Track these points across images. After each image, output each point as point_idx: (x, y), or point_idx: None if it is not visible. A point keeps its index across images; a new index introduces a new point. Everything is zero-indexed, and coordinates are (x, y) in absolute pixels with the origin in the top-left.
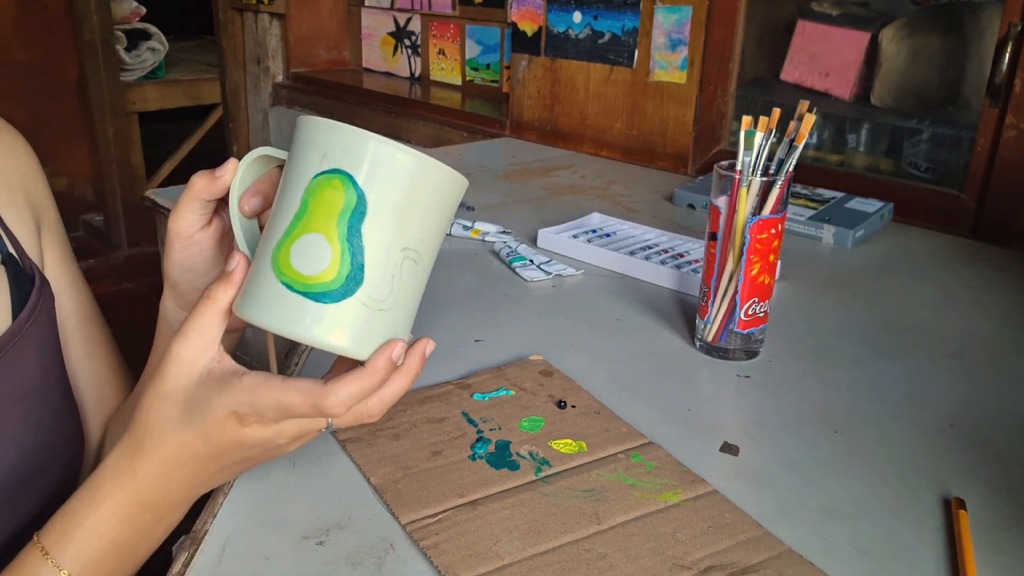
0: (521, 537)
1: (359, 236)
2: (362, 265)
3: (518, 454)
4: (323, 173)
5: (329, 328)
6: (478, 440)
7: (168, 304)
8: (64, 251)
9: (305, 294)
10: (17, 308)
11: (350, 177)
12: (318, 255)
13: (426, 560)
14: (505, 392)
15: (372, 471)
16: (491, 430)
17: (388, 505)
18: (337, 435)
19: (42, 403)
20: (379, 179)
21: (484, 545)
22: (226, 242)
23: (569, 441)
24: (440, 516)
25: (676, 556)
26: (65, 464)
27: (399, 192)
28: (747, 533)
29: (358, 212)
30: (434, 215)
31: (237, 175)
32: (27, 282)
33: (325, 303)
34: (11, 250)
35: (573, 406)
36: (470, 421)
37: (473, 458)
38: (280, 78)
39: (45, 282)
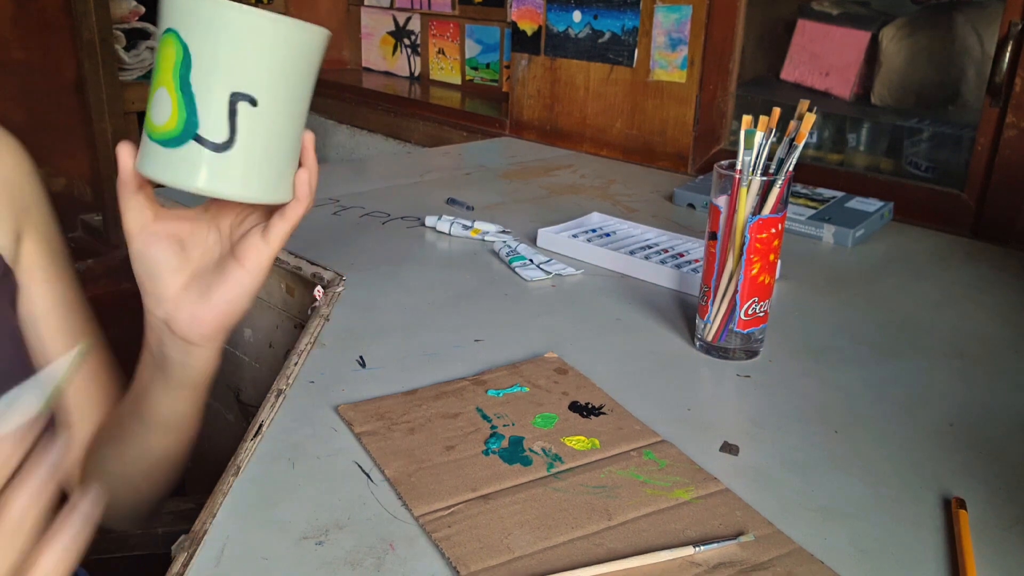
0: (532, 531)
1: (189, 85)
2: (194, 110)
3: (531, 450)
4: (163, 33)
5: (182, 170)
6: (492, 435)
7: (151, 317)
8: (48, 248)
9: (161, 142)
10: None
11: (177, 33)
12: (164, 106)
13: (426, 560)
14: (519, 389)
15: (386, 464)
16: (505, 426)
17: (402, 497)
18: (353, 428)
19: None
20: (198, 32)
21: (495, 538)
22: (185, 222)
23: (582, 438)
24: (452, 509)
25: (687, 553)
26: None
27: (217, 42)
28: (757, 531)
29: (186, 63)
30: (268, 62)
31: None
32: None
33: (174, 147)
34: None
35: (601, 408)
36: (484, 417)
37: (486, 453)
38: None
39: (8, 271)
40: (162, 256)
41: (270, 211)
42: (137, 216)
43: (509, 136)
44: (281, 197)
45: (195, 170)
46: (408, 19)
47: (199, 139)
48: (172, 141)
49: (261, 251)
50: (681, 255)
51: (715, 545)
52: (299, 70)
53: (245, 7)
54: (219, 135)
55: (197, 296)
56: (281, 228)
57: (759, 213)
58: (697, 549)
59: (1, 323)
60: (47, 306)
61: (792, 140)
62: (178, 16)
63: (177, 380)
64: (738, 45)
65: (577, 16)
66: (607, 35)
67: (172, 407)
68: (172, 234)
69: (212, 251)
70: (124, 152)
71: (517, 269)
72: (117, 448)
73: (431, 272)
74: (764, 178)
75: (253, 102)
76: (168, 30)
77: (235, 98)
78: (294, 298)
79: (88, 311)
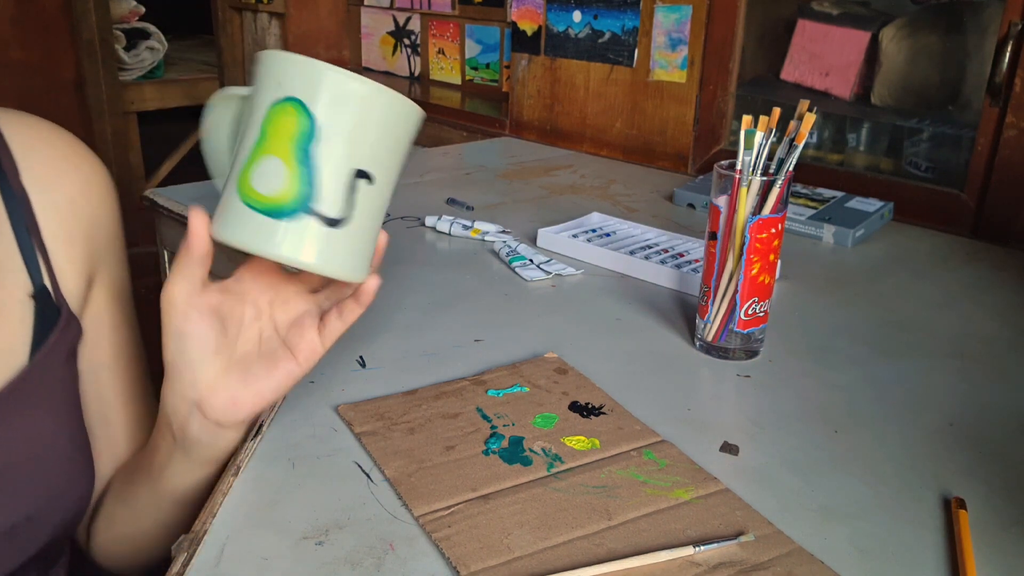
0: (532, 531)
1: (310, 157)
2: (313, 183)
3: (531, 450)
4: (279, 101)
5: (289, 243)
6: (492, 435)
7: (176, 400)
8: (117, 292)
9: (265, 212)
10: (37, 344)
11: (302, 103)
12: (274, 176)
13: (426, 560)
14: (519, 389)
15: (386, 464)
16: (505, 426)
17: (401, 497)
18: (353, 428)
19: (51, 447)
20: (329, 105)
21: (495, 538)
22: (223, 295)
23: (582, 438)
24: (452, 509)
25: (686, 552)
26: (70, 505)
27: (348, 117)
28: (757, 531)
29: (310, 135)
30: (386, 139)
31: (210, 115)
32: (54, 318)
33: (282, 219)
34: (47, 283)
35: (601, 408)
36: (484, 417)
37: (486, 453)
38: None
39: (72, 319)
40: (203, 335)
41: (315, 295)
42: (187, 287)
43: (509, 136)
44: (363, 277)
45: (302, 243)
46: (408, 19)
47: (313, 212)
48: (280, 212)
49: (316, 349)
50: (681, 255)
51: (715, 545)
52: (404, 150)
53: (378, 85)
54: (335, 211)
55: (239, 381)
56: (338, 328)
57: (759, 213)
58: (697, 549)
59: (66, 383)
60: (111, 355)
61: (792, 140)
62: (306, 87)
63: (200, 459)
64: (738, 45)
65: (577, 16)
66: (607, 35)
67: (191, 483)
68: (214, 309)
69: (250, 331)
70: (199, 219)
71: (517, 269)
72: (127, 511)
73: (431, 272)
74: (764, 178)
75: (371, 180)
76: (289, 99)
77: (358, 175)
78: None
79: (143, 355)
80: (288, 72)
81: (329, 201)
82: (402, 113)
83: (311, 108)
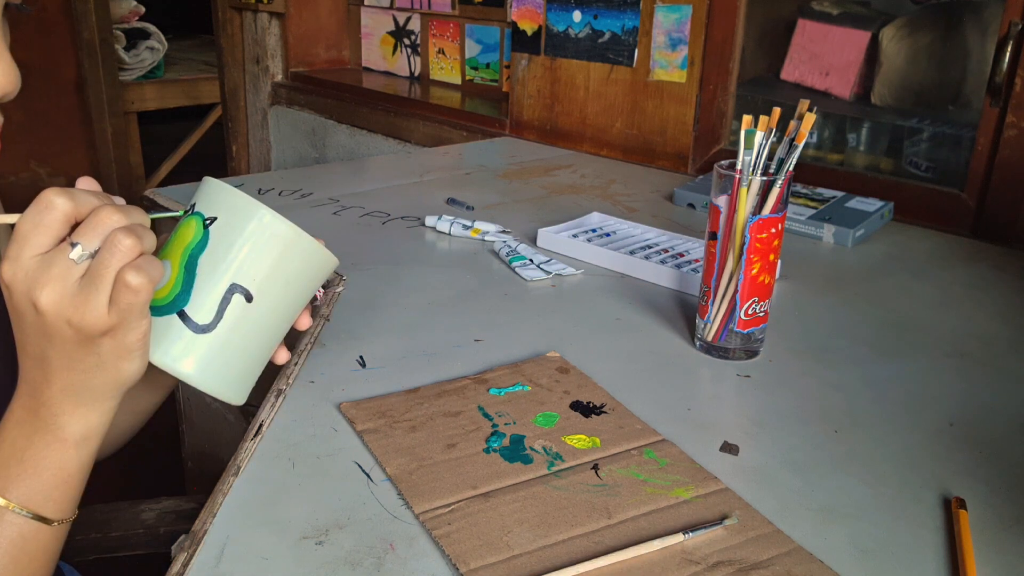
0: (532, 529)
1: (195, 266)
2: (190, 288)
3: (532, 448)
4: (188, 215)
5: (154, 339)
6: (493, 434)
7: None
8: None
9: (152, 308)
10: None
11: (201, 217)
12: (165, 277)
13: (426, 560)
14: (521, 388)
15: (388, 461)
16: (506, 424)
17: (402, 495)
18: (355, 425)
19: None
20: (221, 222)
21: (495, 536)
22: None
23: (583, 437)
24: (453, 507)
25: (685, 551)
26: None
27: (236, 236)
28: (757, 530)
29: (200, 245)
30: (277, 267)
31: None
32: None
33: (156, 316)
34: None
35: (602, 407)
36: (485, 415)
37: (487, 451)
38: (279, 77)
39: None
40: None
41: None
42: None
43: (509, 136)
44: (231, 397)
45: (163, 341)
46: (408, 19)
47: (183, 315)
48: (157, 309)
49: None
50: (681, 255)
51: (702, 531)
52: (300, 285)
53: (276, 214)
54: (204, 318)
55: None
56: None
57: (759, 213)
58: (687, 536)
59: None
60: None
61: (792, 140)
62: (209, 203)
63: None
64: (738, 45)
65: (577, 16)
66: (607, 35)
67: (149, 404)
68: None
69: None
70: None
71: (517, 269)
72: None
73: (431, 272)
74: (764, 178)
75: (248, 298)
76: (195, 213)
77: (233, 288)
78: None
79: None
80: (203, 192)
81: (197, 305)
82: (304, 252)
83: (207, 221)
